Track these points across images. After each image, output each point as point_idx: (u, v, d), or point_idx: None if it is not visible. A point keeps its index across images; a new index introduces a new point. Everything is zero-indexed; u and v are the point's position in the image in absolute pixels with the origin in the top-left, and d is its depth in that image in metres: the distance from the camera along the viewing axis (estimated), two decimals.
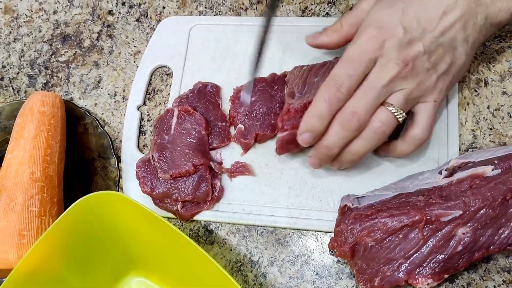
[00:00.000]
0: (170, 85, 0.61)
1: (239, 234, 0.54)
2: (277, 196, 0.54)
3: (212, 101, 0.58)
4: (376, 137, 0.47)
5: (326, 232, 0.53)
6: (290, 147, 0.52)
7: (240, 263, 0.53)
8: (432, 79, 0.47)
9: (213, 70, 0.61)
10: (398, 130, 0.50)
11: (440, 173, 0.49)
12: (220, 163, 0.56)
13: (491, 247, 0.46)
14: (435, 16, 0.46)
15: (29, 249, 0.46)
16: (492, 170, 0.47)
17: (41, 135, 0.54)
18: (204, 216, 0.55)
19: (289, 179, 0.55)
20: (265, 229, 0.54)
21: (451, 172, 0.49)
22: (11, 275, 0.45)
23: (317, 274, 0.51)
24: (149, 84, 0.62)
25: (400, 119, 0.47)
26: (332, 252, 0.52)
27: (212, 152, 0.57)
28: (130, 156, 0.59)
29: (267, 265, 0.52)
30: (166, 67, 0.63)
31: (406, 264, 0.46)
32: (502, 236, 0.46)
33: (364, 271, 0.48)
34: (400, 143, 0.50)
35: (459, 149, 0.53)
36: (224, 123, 0.57)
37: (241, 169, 0.56)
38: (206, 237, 0.54)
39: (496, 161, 0.48)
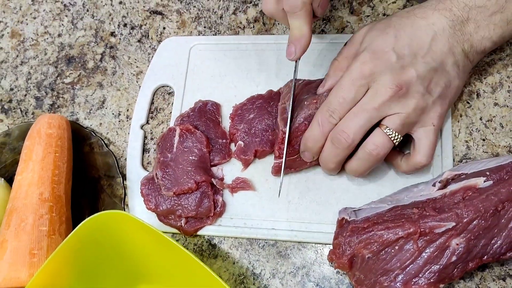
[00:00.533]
0: (172, 103, 0.63)
1: (242, 247, 0.56)
2: (277, 210, 0.56)
3: (212, 119, 0.60)
4: (371, 159, 0.49)
5: (326, 244, 0.54)
6: (285, 170, 0.55)
7: (243, 276, 0.54)
8: (428, 103, 0.48)
9: (212, 88, 0.63)
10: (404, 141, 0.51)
11: (434, 185, 0.51)
12: (222, 179, 0.58)
13: (485, 257, 0.47)
14: (425, 42, 0.48)
15: (39, 268, 0.48)
16: (484, 181, 0.48)
17: (48, 156, 0.56)
18: (207, 231, 0.57)
19: (289, 193, 0.56)
20: (266, 242, 0.55)
21: (445, 184, 0.51)
22: None
23: (317, 285, 0.53)
24: (152, 103, 0.64)
25: (396, 142, 0.49)
26: (331, 264, 0.53)
27: (214, 169, 0.59)
28: (135, 174, 0.61)
29: (269, 277, 0.54)
30: (167, 86, 0.65)
31: (402, 275, 0.48)
32: (495, 246, 0.47)
33: (362, 282, 0.49)
34: (403, 164, 0.52)
35: (453, 160, 0.55)
36: (224, 140, 0.59)
37: (242, 185, 0.57)
38: (209, 251, 0.56)
39: (488, 173, 0.49)
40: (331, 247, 0.51)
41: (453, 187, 0.49)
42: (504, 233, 0.47)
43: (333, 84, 0.51)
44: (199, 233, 0.57)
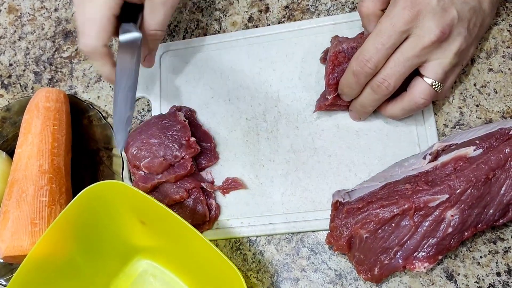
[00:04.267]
0: (151, 115, 0.63)
1: None
2: (271, 204, 0.56)
3: (192, 123, 0.59)
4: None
5: (324, 230, 0.54)
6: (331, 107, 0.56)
7: (239, 243, 0.56)
8: (468, 45, 0.48)
9: (189, 93, 0.63)
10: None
11: (424, 158, 0.51)
12: (212, 182, 0.58)
13: (479, 225, 0.47)
14: None
15: (41, 236, 0.49)
16: (474, 150, 0.48)
17: (47, 129, 0.57)
18: (206, 235, 0.56)
19: (281, 185, 0.56)
20: None
21: (435, 155, 0.51)
22: (26, 261, 0.48)
23: (311, 250, 0.54)
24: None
25: (439, 90, 0.49)
26: (330, 247, 0.54)
27: (202, 173, 0.58)
28: None
29: (265, 243, 0.55)
30: (144, 98, 0.64)
31: (402, 251, 0.48)
32: (488, 213, 0.47)
33: (363, 262, 0.50)
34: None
35: (437, 129, 0.55)
36: (209, 144, 0.59)
37: (232, 184, 0.57)
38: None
39: (477, 141, 0.49)
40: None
41: (443, 158, 0.49)
42: (496, 200, 0.47)
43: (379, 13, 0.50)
44: None
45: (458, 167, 0.48)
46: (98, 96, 0.66)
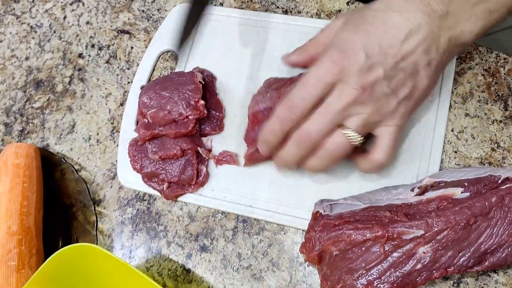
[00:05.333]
0: (172, 70, 0.64)
1: (216, 271, 0.55)
2: (258, 188, 0.57)
3: (209, 89, 0.60)
4: (330, 158, 0.49)
5: (299, 229, 0.55)
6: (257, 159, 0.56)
7: None
8: (392, 104, 0.47)
9: (216, 60, 0.63)
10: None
11: (412, 190, 0.50)
12: (209, 150, 0.59)
13: (451, 268, 0.47)
14: (397, 40, 0.45)
15: None
16: (462, 192, 0.48)
17: (16, 188, 0.55)
18: (187, 198, 0.58)
19: (271, 174, 0.57)
20: (240, 265, 0.55)
21: (423, 190, 0.50)
22: None
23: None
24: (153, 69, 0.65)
25: (355, 143, 0.48)
26: (302, 255, 0.53)
27: (204, 139, 0.59)
28: (129, 133, 0.61)
29: None
30: (172, 51, 0.65)
31: (366, 276, 0.47)
32: (462, 259, 0.47)
33: (328, 277, 0.49)
34: (362, 161, 0.51)
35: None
36: (218, 113, 0.60)
37: (228, 158, 0.58)
38: (184, 276, 0.56)
39: (466, 184, 0.48)
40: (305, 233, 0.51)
41: (430, 194, 0.49)
42: (473, 248, 0.46)
43: (296, 60, 0.54)
44: (179, 199, 0.58)
45: (442, 206, 0.48)
46: (71, 148, 0.64)
